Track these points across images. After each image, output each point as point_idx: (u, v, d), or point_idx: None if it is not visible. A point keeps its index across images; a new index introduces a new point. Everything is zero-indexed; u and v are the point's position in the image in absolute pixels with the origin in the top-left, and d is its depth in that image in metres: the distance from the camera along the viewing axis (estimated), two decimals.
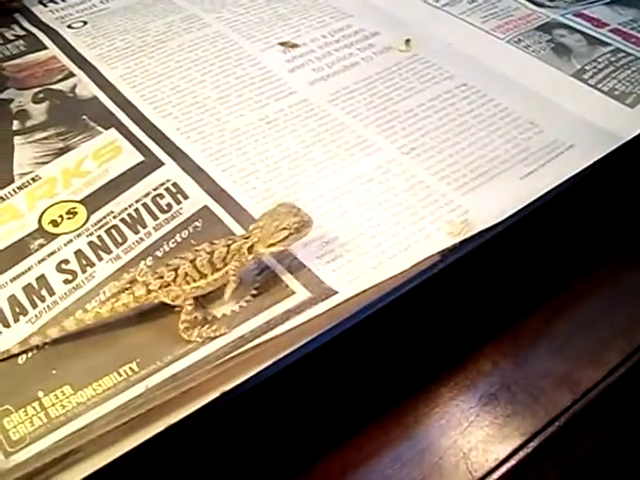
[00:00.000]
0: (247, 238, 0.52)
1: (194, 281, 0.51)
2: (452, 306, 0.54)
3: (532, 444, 0.50)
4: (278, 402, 0.48)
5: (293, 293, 0.52)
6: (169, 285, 0.51)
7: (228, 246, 0.52)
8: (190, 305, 0.51)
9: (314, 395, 0.49)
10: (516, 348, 0.55)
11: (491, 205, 0.57)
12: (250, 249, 0.52)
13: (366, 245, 0.55)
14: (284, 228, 0.52)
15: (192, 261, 0.51)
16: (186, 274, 0.51)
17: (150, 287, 0.51)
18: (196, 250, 0.52)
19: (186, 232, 0.57)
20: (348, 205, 0.58)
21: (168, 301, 0.51)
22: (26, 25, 0.84)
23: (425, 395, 0.52)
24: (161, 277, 0.51)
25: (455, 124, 0.66)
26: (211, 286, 0.52)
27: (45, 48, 0.79)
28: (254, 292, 0.52)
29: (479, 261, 0.55)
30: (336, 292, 0.51)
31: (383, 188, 0.60)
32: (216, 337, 0.49)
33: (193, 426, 0.45)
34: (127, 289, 0.51)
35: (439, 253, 0.54)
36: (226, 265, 0.52)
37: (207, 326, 0.50)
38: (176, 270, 0.51)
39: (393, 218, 0.57)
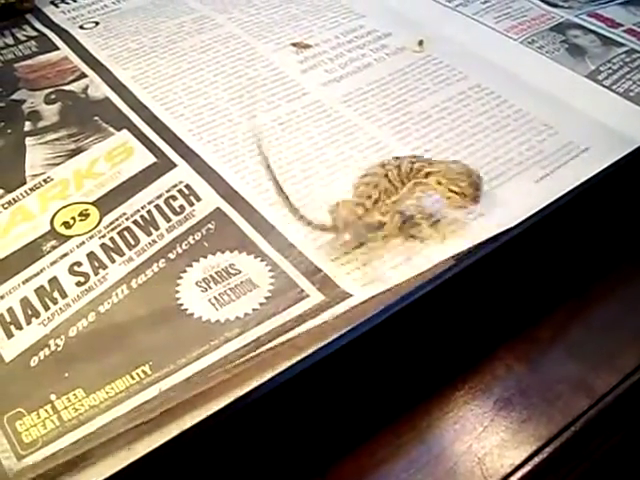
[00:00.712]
0: (430, 164, 0.55)
1: (393, 194, 0.54)
2: (467, 309, 0.53)
3: (548, 449, 0.49)
4: (292, 406, 0.48)
5: (307, 296, 0.52)
6: (377, 202, 0.53)
7: (412, 163, 0.54)
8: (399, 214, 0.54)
9: (328, 399, 0.49)
10: (531, 352, 0.54)
11: (506, 208, 0.57)
12: (427, 175, 0.54)
13: (380, 248, 0.55)
14: (468, 176, 0.54)
15: (385, 176, 0.54)
16: (386, 189, 0.54)
17: (366, 205, 0.53)
18: (383, 165, 0.55)
19: (199, 234, 0.57)
20: None
21: (382, 218, 0.54)
22: (38, 26, 0.84)
23: (439, 399, 0.52)
24: (370, 197, 0.53)
25: (469, 126, 0.66)
26: (406, 197, 0.54)
27: (57, 49, 0.79)
28: (268, 294, 0.52)
29: (494, 265, 0.54)
30: (351, 295, 0.51)
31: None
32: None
33: (207, 430, 0.44)
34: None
35: (454, 257, 0.53)
36: (409, 181, 0.54)
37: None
38: (377, 187, 0.53)
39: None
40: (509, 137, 0.64)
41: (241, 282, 0.53)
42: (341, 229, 0.54)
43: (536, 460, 0.49)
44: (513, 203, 0.58)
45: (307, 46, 0.77)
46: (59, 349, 0.50)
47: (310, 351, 0.48)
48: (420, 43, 0.76)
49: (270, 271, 0.54)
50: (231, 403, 0.45)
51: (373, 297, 0.51)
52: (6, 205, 0.60)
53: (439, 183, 0.54)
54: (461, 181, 0.54)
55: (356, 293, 0.51)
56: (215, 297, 0.52)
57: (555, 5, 0.83)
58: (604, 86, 0.71)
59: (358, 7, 0.83)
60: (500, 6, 0.83)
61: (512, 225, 0.55)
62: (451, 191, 0.54)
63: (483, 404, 0.52)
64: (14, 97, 0.73)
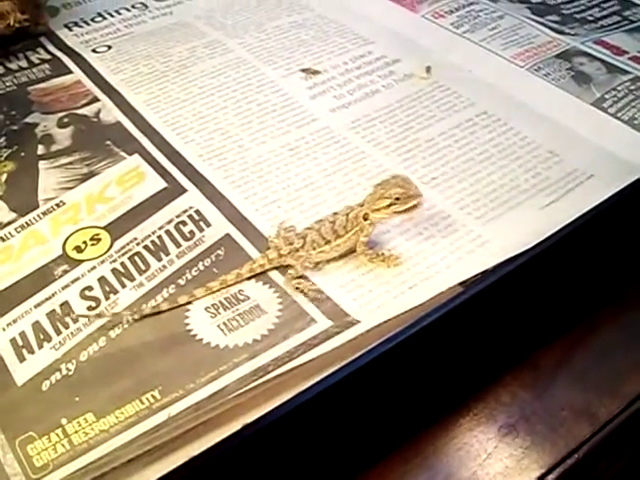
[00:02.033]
0: (362, 206, 0.57)
1: (319, 246, 0.57)
2: (473, 336, 0.54)
3: (551, 476, 0.50)
4: (300, 432, 0.48)
5: (315, 322, 0.52)
6: (298, 250, 0.56)
7: (347, 215, 0.57)
8: (310, 265, 0.56)
9: (336, 425, 0.49)
10: (535, 379, 0.55)
11: (512, 235, 0.58)
12: (365, 216, 0.57)
13: (387, 274, 0.56)
14: (386, 197, 0.56)
15: (318, 230, 0.57)
16: (313, 241, 0.57)
17: (281, 252, 0.56)
18: (320, 220, 0.58)
19: (208, 260, 0.57)
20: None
21: (294, 263, 0.56)
22: (51, 49, 0.85)
23: (444, 426, 0.52)
24: (291, 244, 0.57)
25: (475, 153, 0.67)
26: (335, 251, 0.57)
27: (70, 72, 0.80)
28: (276, 321, 0.53)
29: (500, 292, 0.55)
30: (358, 322, 0.52)
31: (404, 218, 0.60)
32: (312, 295, 0.55)
33: (216, 456, 0.45)
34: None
35: (460, 284, 0.54)
36: (347, 232, 0.57)
37: (310, 284, 0.55)
38: (304, 238, 0.57)
39: (413, 248, 0.58)
40: (515, 165, 0.65)
41: (250, 308, 0.54)
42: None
43: None
44: (519, 230, 0.58)
45: (316, 72, 0.78)
46: (70, 373, 0.51)
47: (318, 378, 0.48)
48: (428, 70, 0.77)
49: (278, 297, 0.54)
50: (240, 429, 0.46)
51: (380, 324, 0.51)
52: (19, 229, 0.61)
53: (377, 210, 0.56)
54: (386, 192, 0.56)
55: (363, 320, 0.52)
56: (224, 323, 0.53)
57: (561, 32, 0.84)
58: (609, 114, 0.71)
59: (367, 33, 0.84)
60: (507, 33, 0.84)
61: (518, 252, 0.56)
62: (388, 207, 0.56)
63: (488, 430, 0.52)
64: (27, 120, 0.74)
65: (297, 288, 0.55)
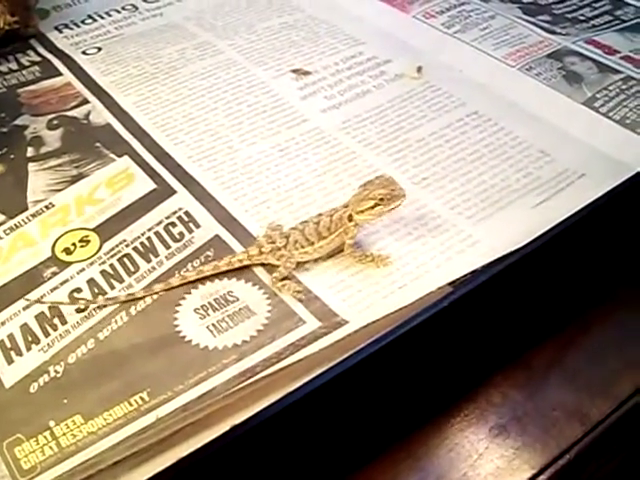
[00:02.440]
0: (346, 207, 0.57)
1: (302, 247, 0.56)
2: (462, 337, 0.54)
3: (542, 477, 0.50)
4: (289, 434, 0.48)
5: (303, 323, 0.52)
6: (280, 250, 0.56)
7: (331, 216, 0.57)
8: (292, 264, 0.56)
9: (325, 427, 0.49)
10: (527, 379, 0.55)
11: (502, 235, 0.57)
12: (349, 217, 0.56)
13: (376, 275, 0.55)
14: (370, 198, 0.56)
15: (301, 230, 0.57)
16: (296, 241, 0.56)
17: (262, 249, 0.56)
18: (304, 222, 0.57)
19: (198, 261, 0.57)
20: (359, 235, 0.58)
21: (274, 261, 0.56)
22: (41, 51, 0.85)
23: (435, 426, 0.52)
24: (273, 242, 0.56)
25: (466, 153, 0.66)
26: (318, 253, 0.57)
27: (60, 74, 0.80)
28: (265, 322, 0.53)
29: (490, 291, 0.54)
30: (347, 322, 0.51)
31: (394, 218, 0.60)
32: (297, 296, 0.54)
33: (205, 458, 0.45)
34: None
35: (450, 284, 0.54)
36: (331, 234, 0.56)
37: (295, 285, 0.55)
38: (287, 237, 0.56)
39: (403, 248, 0.57)
40: (506, 164, 0.65)
41: (239, 309, 0.54)
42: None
43: None
44: (510, 230, 0.58)
45: (307, 73, 0.78)
46: (58, 375, 0.50)
47: (307, 379, 0.48)
48: (419, 70, 0.77)
49: (267, 298, 0.54)
50: (228, 431, 0.45)
51: (369, 324, 0.51)
52: (8, 231, 0.61)
53: (361, 212, 0.56)
54: (370, 193, 0.56)
55: (352, 320, 0.52)
56: (213, 324, 0.53)
57: (553, 32, 0.84)
58: (600, 113, 0.71)
59: (358, 34, 0.84)
60: (498, 33, 0.84)
61: (509, 251, 0.55)
62: (373, 208, 0.56)
63: (479, 431, 0.52)
64: (17, 122, 0.74)
65: (281, 291, 0.55)
